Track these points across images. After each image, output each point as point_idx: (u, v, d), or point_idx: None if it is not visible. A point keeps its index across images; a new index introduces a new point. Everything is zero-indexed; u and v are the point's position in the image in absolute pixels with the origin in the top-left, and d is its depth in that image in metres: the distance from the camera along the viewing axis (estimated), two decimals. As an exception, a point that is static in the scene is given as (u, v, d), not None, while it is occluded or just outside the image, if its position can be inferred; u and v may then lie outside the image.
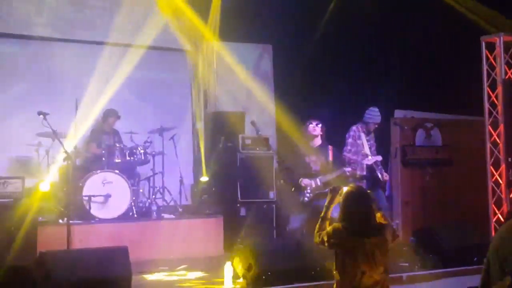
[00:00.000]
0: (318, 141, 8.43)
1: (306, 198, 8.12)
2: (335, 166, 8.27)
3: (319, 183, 8.12)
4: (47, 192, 8.61)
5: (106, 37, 10.41)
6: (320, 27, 10.56)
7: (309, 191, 8.11)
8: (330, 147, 8.53)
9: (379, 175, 8.75)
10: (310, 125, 8.39)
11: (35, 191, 8.61)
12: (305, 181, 8.16)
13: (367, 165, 8.69)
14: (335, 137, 9.04)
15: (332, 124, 9.07)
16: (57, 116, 8.59)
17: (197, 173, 10.46)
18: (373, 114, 8.92)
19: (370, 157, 8.61)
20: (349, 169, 8.15)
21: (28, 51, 9.96)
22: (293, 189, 8.25)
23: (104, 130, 9.70)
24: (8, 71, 9.77)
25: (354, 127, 8.94)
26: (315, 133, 8.36)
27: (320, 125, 8.41)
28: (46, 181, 8.63)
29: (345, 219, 4.78)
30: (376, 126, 9.00)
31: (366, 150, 8.75)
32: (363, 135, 8.85)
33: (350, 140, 8.87)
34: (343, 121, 9.58)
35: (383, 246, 4.76)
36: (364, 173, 8.73)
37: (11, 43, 9.90)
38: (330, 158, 8.39)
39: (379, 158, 8.78)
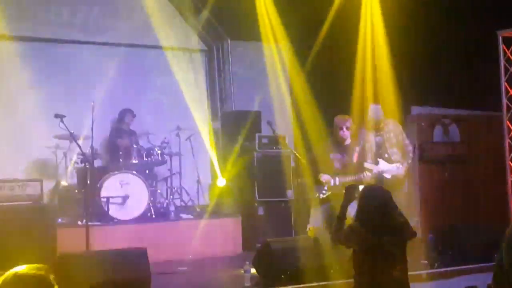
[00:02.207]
0: (348, 140, 8.16)
1: (321, 195, 8.03)
2: (356, 169, 8.09)
3: (337, 183, 8.01)
4: (66, 194, 8.69)
5: (123, 39, 10.48)
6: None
7: (326, 188, 8.02)
8: (357, 148, 8.24)
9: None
10: (341, 130, 8.06)
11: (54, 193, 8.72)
12: (324, 177, 7.98)
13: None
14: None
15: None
16: (74, 118, 8.64)
17: (214, 173, 10.46)
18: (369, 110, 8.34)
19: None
20: (368, 174, 7.95)
21: (44, 53, 10.01)
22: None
23: (122, 129, 9.74)
24: (25, 73, 9.82)
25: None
26: (345, 137, 8.09)
27: (348, 129, 8.08)
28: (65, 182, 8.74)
29: (363, 218, 4.75)
30: (375, 122, 8.19)
31: (372, 152, 8.19)
32: (369, 134, 8.21)
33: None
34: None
35: (402, 245, 4.73)
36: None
37: (27, 45, 9.94)
38: (355, 159, 8.18)
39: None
